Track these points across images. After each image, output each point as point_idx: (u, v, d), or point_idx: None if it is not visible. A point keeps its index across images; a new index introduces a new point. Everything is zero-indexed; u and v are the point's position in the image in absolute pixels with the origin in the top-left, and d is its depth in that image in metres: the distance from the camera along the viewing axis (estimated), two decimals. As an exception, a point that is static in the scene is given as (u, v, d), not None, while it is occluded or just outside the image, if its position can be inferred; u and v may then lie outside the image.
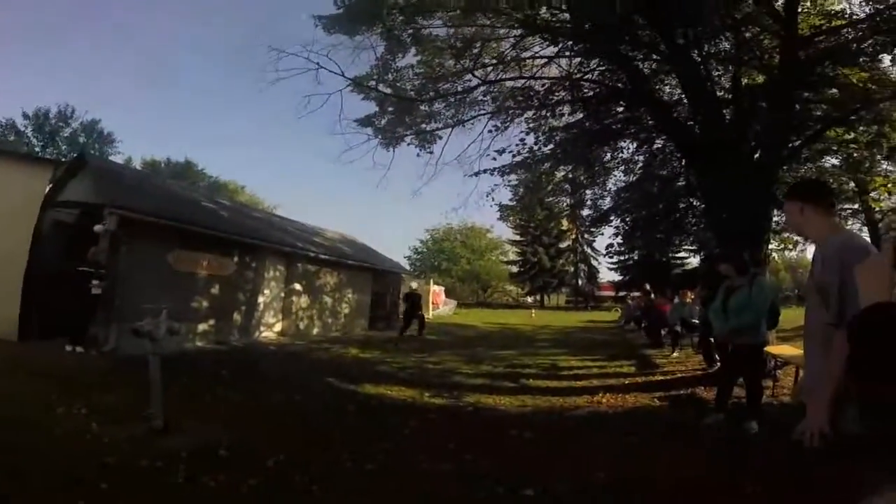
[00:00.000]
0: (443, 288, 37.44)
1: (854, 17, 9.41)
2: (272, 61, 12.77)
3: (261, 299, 14.83)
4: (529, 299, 59.14)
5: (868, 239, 24.67)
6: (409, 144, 13.52)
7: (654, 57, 11.26)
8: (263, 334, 14.79)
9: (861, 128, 10.39)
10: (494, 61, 12.68)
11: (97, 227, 10.29)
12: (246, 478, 4.07)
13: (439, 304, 33.13)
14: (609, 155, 13.42)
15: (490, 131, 12.76)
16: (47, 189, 11.37)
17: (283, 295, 16.02)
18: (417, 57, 12.84)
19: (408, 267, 48.54)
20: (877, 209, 20.62)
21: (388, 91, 13.05)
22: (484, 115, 12.92)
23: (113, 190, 11.70)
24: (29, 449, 4.35)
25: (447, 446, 5.12)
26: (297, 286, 16.29)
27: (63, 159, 32.28)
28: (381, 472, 4.48)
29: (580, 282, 60.29)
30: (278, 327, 15.62)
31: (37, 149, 41.08)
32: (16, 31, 76.86)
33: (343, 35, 12.13)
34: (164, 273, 11.28)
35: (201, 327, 12.60)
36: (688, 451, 5.10)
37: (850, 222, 22.97)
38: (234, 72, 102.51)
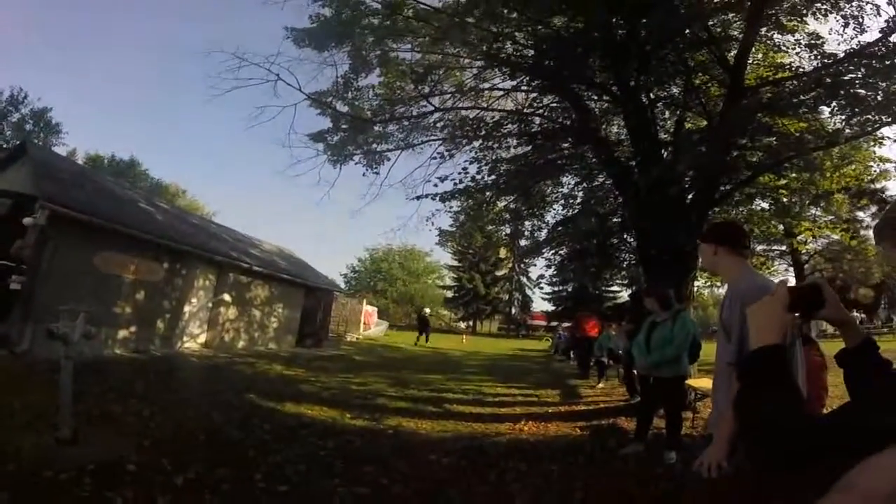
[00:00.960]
0: (375, 308, 37.12)
1: (800, 69, 9.96)
2: (232, 69, 12.52)
3: (187, 308, 14.26)
4: (462, 324, 59.37)
5: (794, 279, 25.95)
6: (356, 163, 13.53)
7: (605, 97, 11.64)
8: (186, 345, 14.20)
9: (792, 175, 10.96)
10: (453, 89, 12.91)
11: (26, 220, 9.79)
12: (154, 495, 3.88)
13: (371, 325, 32.80)
14: (550, 188, 13.73)
15: (435, 157, 12.87)
16: None
17: (210, 305, 15.45)
18: (380, 78, 12.94)
19: (343, 285, 48.06)
20: (803, 251, 21.74)
21: (345, 109, 13.06)
22: (434, 140, 13.08)
23: (49, 183, 11.16)
24: None
25: (364, 469, 5.00)
26: (227, 297, 15.79)
27: (5, 145, 30.80)
28: (294, 494, 4.32)
29: (513, 310, 61.00)
30: (203, 338, 15.04)
31: None
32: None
33: (311, 49, 12.16)
34: (90, 274, 10.71)
35: (121, 334, 11.98)
36: (606, 480, 5.13)
37: (777, 263, 24.19)
38: (191, 75, 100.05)
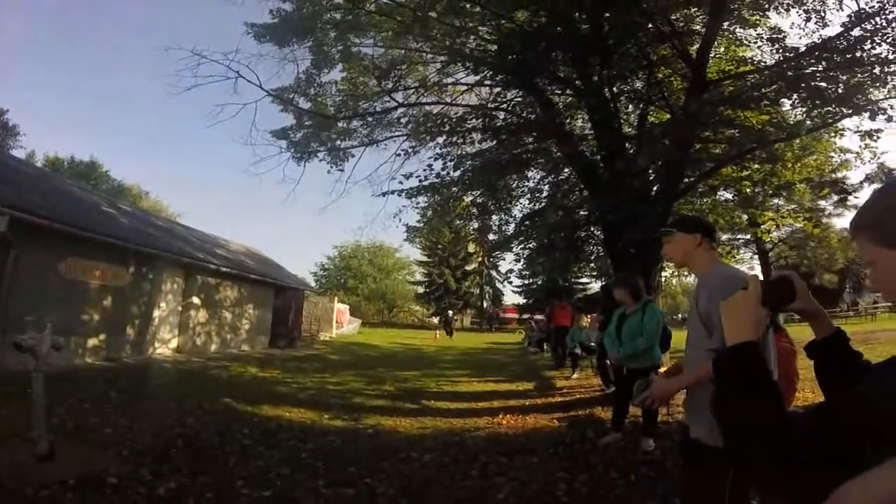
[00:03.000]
0: (347, 307, 36.87)
1: (761, 63, 10.17)
2: (191, 66, 12.31)
3: (156, 313, 14.04)
4: (435, 320, 59.32)
5: (759, 267, 26.44)
6: (321, 160, 13.43)
7: (569, 91, 11.73)
8: (158, 351, 13.97)
9: (755, 166, 11.20)
10: (416, 85, 12.86)
11: None
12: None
13: (343, 323, 32.61)
14: (516, 183, 13.81)
15: (399, 154, 12.86)
16: None
17: (180, 309, 15.24)
18: (343, 74, 12.89)
19: (313, 283, 47.65)
20: (767, 240, 22.25)
21: (308, 105, 12.95)
22: (399, 136, 13.05)
23: (8, 187, 10.77)
24: None
25: (346, 470, 5.04)
26: (196, 300, 15.58)
27: None
28: (278, 498, 4.34)
29: (485, 304, 61.16)
30: (174, 343, 14.82)
31: None
32: None
33: (271, 45, 12.02)
34: (55, 281, 10.49)
35: (91, 342, 11.73)
36: (585, 470, 5.25)
37: (742, 251, 24.70)
38: (150, 72, 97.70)
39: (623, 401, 6.76)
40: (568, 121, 12.25)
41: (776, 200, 13.71)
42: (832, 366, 1.40)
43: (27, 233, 9.91)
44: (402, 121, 13.11)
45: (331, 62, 12.46)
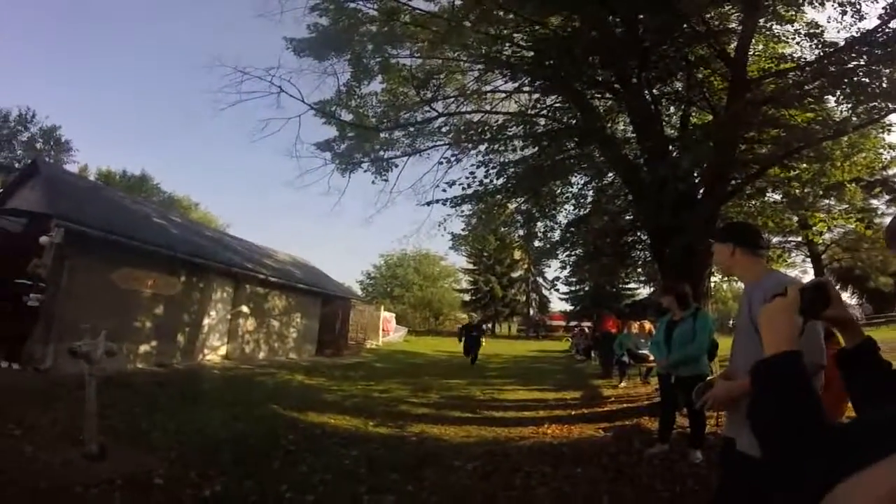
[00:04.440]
0: (393, 315, 37.10)
1: (802, 60, 9.86)
2: (234, 82, 12.60)
3: (206, 321, 14.46)
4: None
5: (812, 270, 25.50)
6: (365, 171, 13.44)
7: (608, 95, 11.58)
8: (207, 357, 14.40)
9: (803, 165, 10.85)
10: (456, 93, 12.84)
11: (43, 239, 9.94)
12: (182, 508, 3.93)
13: (389, 331, 32.82)
14: (560, 189, 13.65)
15: (441, 162, 12.85)
16: None
17: (229, 317, 15.66)
18: (382, 85, 12.92)
19: (360, 292, 48.10)
20: (819, 242, 21.50)
21: (350, 117, 13.04)
22: (441, 145, 13.02)
23: (63, 201, 11.37)
24: None
25: (389, 477, 5.06)
26: (245, 308, 15.96)
27: (17, 164, 31.16)
28: (321, 503, 4.38)
29: (531, 311, 60.83)
30: (223, 350, 15.23)
31: None
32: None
33: (311, 59, 12.15)
34: (108, 290, 10.90)
35: (143, 348, 12.19)
36: (630, 482, 5.14)
37: (794, 254, 23.93)
38: (196, 88, 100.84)
39: (670, 411, 6.61)
40: (609, 125, 12.06)
41: (827, 201, 13.23)
42: (862, 376, 1.35)
43: (82, 244, 10.40)
44: (444, 130, 13.07)
45: (370, 74, 12.50)
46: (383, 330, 30.87)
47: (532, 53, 11.06)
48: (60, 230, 10.02)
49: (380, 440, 6.87)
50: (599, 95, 11.84)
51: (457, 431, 7.55)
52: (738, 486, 2.51)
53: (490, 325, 58.59)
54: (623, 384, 12.56)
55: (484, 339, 18.61)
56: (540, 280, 60.10)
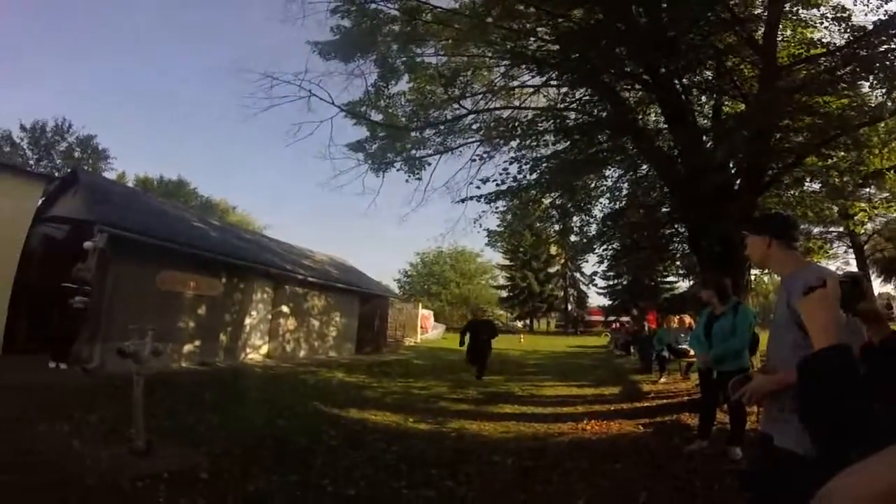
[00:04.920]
0: (431, 312, 37.24)
1: (832, 45, 9.60)
2: (264, 88, 12.78)
3: (247, 321, 14.81)
4: (519, 324, 59.07)
5: (854, 261, 24.68)
6: (398, 170, 13.51)
7: (638, 87, 11.42)
8: (249, 356, 14.73)
9: (840, 154, 10.54)
10: (483, 90, 12.80)
11: (87, 244, 10.39)
12: (227, 502, 4.07)
13: (428, 329, 33.00)
14: (594, 182, 13.51)
15: (474, 159, 12.85)
16: (39, 203, 11.59)
17: (269, 317, 15.98)
18: (409, 84, 12.96)
19: (397, 290, 48.41)
20: (861, 232, 20.85)
21: (380, 118, 13.13)
22: (472, 142, 13.03)
23: (104, 207, 11.80)
24: (9, 465, 4.34)
25: (429, 472, 5.11)
26: (285, 308, 16.26)
27: (57, 173, 32.22)
28: (362, 498, 4.46)
29: (569, 306, 60.37)
30: (264, 349, 15.54)
31: (31, 162, 40.97)
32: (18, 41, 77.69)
33: (338, 62, 12.27)
34: (151, 292, 11.12)
35: (187, 348, 12.60)
36: (669, 478, 5.11)
37: (836, 245, 23.24)
38: (228, 92, 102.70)
39: (710, 407, 6.54)
40: (640, 116, 11.86)
41: (867, 190, 12.76)
42: (885, 369, 1.34)
43: (125, 248, 10.82)
44: (474, 127, 13.05)
45: (397, 74, 12.55)
46: (421, 327, 31.04)
47: (557, 47, 10.97)
48: (103, 235, 10.46)
49: (419, 436, 6.95)
50: (629, 87, 11.65)
51: (495, 427, 7.58)
52: (777, 483, 2.47)
53: (528, 322, 58.38)
54: (663, 380, 12.43)
55: (494, 342, 15.30)
56: (577, 275, 59.61)
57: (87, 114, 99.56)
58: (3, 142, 41.18)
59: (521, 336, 37.38)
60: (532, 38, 11.27)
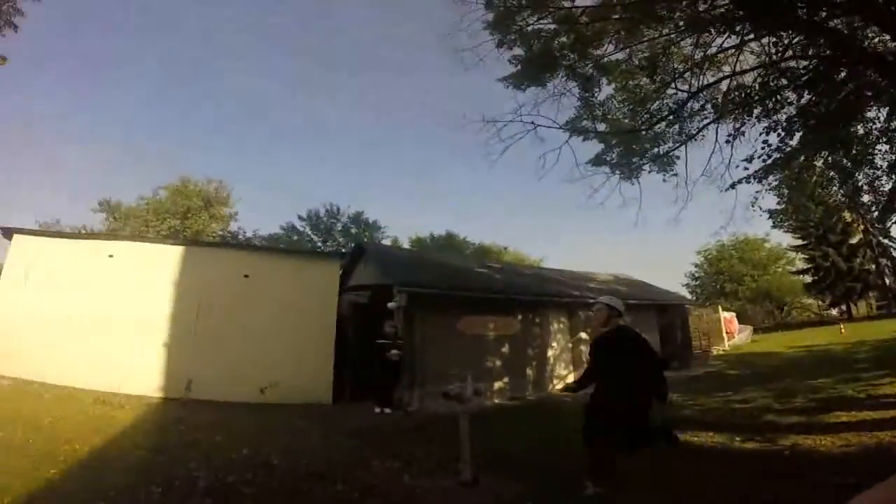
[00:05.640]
0: (732, 314, 34.63)
1: None
2: (493, 133, 13.49)
3: (549, 353, 15.55)
4: (834, 311, 51.25)
5: None
6: (649, 172, 13.28)
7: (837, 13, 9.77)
8: (556, 387, 15.20)
9: None
10: (687, 67, 12.05)
11: (390, 304, 12.15)
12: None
13: (734, 333, 30.67)
14: (861, 127, 11.58)
15: (728, 140, 12.04)
16: (339, 277, 13.83)
17: (570, 345, 16.43)
18: (612, 86, 12.83)
19: (688, 295, 45.89)
20: None
21: (603, 126, 13.08)
22: (708, 123, 12.37)
23: (396, 270, 13.75)
24: (345, 499, 5.09)
25: (760, 498, 4.87)
26: (583, 335, 16.47)
27: (342, 250, 37.75)
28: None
29: (887, 281, 50.68)
30: (570, 378, 15.76)
31: (319, 244, 48.03)
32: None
33: (535, 88, 12.62)
34: (454, 337, 12.59)
35: (497, 385, 13.69)
36: None
37: None
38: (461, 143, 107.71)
39: None
40: (866, 43, 9.97)
41: None
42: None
43: (423, 302, 12.43)
44: (707, 107, 12.39)
45: (593, 81, 12.50)
46: (727, 332, 29.13)
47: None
48: (402, 294, 12.16)
49: (750, 456, 6.59)
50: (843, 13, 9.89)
51: (833, 441, 6.77)
52: None
53: (844, 308, 50.45)
54: None
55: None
56: (886, 241, 49.42)
57: (354, 193, 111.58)
58: (291, 232, 49.03)
59: (841, 326, 32.68)
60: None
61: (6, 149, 61.42)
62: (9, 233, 12.09)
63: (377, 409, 10.93)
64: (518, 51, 12.22)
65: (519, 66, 12.31)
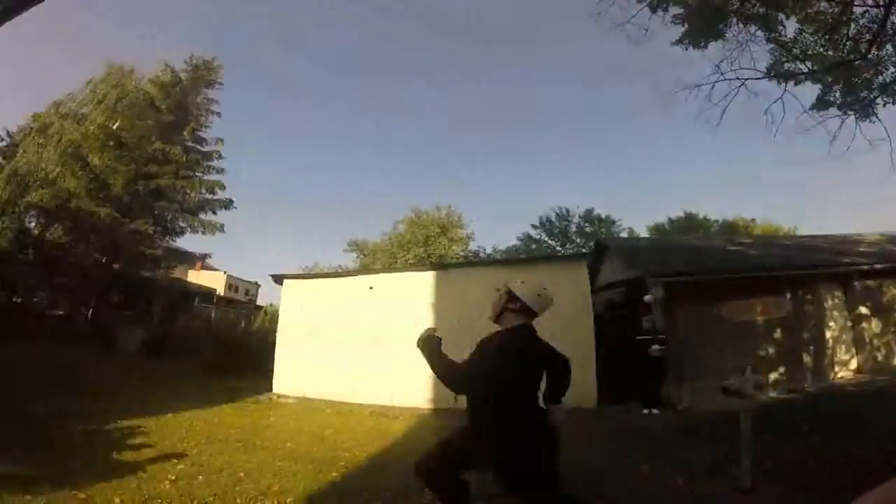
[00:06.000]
0: None
1: None
2: (704, 99, 12.29)
3: (827, 334, 13.18)
4: None
5: None
6: (884, 105, 11.10)
7: None
8: (839, 375, 12.82)
9: None
10: None
11: (647, 298, 11.57)
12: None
13: None
14: None
15: None
16: (588, 277, 13.56)
17: (849, 324, 13.58)
18: (791, 19, 11.13)
19: None
20: None
21: (809, 65, 11.49)
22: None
23: (643, 261, 13.29)
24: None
25: None
26: (863, 310, 13.52)
27: (583, 250, 37.13)
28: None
29: None
30: (853, 364, 13.19)
31: (558, 248, 47.38)
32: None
33: (716, 41, 11.52)
34: (720, 325, 11.49)
35: (771, 376, 12.08)
36: None
37: None
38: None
39: None
40: None
41: None
42: None
43: (679, 291, 11.69)
44: None
45: (771, 19, 10.99)
46: None
47: None
48: (658, 286, 11.53)
49: None
50: None
51: None
52: None
53: None
54: None
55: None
56: None
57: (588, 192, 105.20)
58: (528, 241, 49.11)
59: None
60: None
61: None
62: (280, 279, 15.01)
63: (644, 410, 10.59)
64: (676, 9, 11.30)
65: (686, 25, 11.34)
